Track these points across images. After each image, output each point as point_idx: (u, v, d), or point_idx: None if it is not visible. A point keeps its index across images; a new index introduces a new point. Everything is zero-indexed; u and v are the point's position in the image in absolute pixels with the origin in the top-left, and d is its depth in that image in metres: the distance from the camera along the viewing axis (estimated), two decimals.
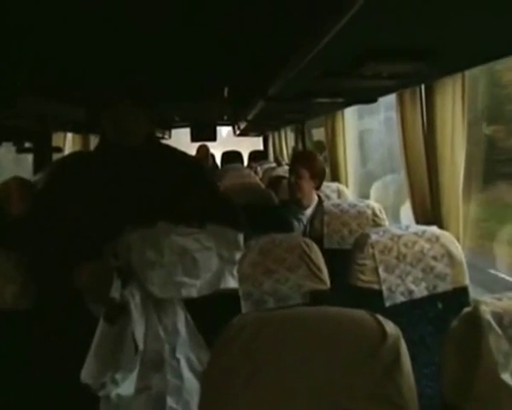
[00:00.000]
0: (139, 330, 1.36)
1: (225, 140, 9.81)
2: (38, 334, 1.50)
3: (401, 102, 2.20)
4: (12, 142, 3.59)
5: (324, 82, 1.69)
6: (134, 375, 1.36)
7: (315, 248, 1.77)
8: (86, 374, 1.32)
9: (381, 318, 1.00)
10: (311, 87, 1.93)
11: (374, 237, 1.78)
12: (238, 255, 1.46)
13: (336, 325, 0.98)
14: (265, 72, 2.03)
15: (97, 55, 2.04)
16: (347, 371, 0.94)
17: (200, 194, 1.52)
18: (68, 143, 4.46)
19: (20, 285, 1.52)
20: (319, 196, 2.60)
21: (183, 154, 1.63)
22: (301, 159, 2.57)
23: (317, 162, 2.59)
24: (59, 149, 3.91)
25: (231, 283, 1.44)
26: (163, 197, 1.47)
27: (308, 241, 1.79)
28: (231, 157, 8.28)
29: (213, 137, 7.67)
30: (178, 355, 1.42)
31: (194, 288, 1.40)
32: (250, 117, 3.87)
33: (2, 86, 1.95)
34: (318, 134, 5.42)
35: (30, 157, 4.02)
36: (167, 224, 1.41)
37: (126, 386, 1.35)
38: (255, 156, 8.22)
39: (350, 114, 3.57)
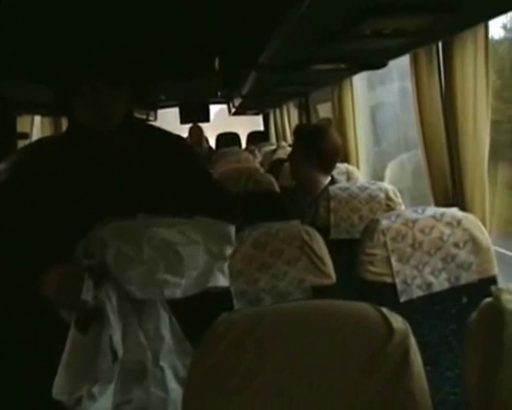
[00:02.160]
0: (117, 335, 1.36)
1: (220, 120, 9.80)
2: (6, 349, 1.50)
3: (415, 65, 2.18)
4: None
5: (321, 46, 1.67)
6: (112, 387, 1.36)
7: (317, 237, 1.77)
8: (58, 389, 1.33)
9: (386, 311, 0.99)
10: (306, 52, 1.91)
11: (385, 222, 1.77)
12: (229, 251, 1.46)
13: (336, 320, 0.98)
14: (255, 36, 2.01)
15: (65, 22, 2.02)
16: (349, 372, 0.94)
17: (189, 181, 1.52)
18: (36, 128, 4.45)
19: None
20: (332, 178, 2.57)
21: (168, 134, 1.62)
22: (305, 134, 2.54)
23: (326, 138, 2.53)
24: (25, 136, 3.90)
25: (221, 281, 1.44)
26: (145, 186, 1.46)
27: (309, 229, 1.79)
28: (228, 140, 8.28)
29: (206, 118, 7.66)
30: (162, 364, 1.42)
31: (179, 287, 1.39)
32: (244, 92, 3.85)
33: None
34: (326, 110, 5.40)
35: None
36: (148, 215, 1.41)
37: (104, 400, 1.36)
38: (254, 138, 8.21)
39: (359, 83, 3.54)
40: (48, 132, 4.46)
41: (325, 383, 0.95)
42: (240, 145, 8.28)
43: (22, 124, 3.96)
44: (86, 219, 1.36)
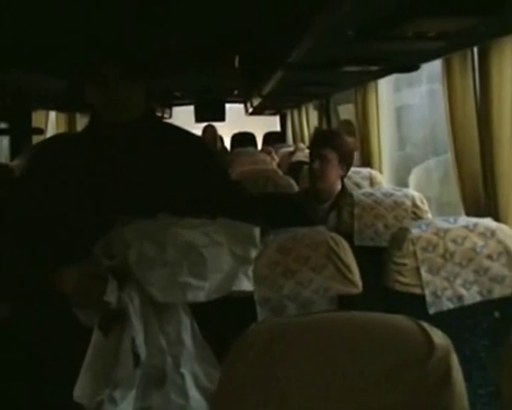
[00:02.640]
0: (139, 339, 1.35)
1: (234, 120, 9.78)
2: (16, 349, 1.50)
3: (448, 69, 2.17)
4: None
5: (357, 46, 1.65)
6: (133, 393, 1.36)
7: (344, 244, 1.75)
8: (80, 392, 1.32)
9: (426, 325, 0.97)
10: (340, 52, 1.89)
11: (415, 231, 1.75)
12: (254, 253, 1.44)
13: (373, 334, 0.97)
14: (285, 34, 1.99)
15: (82, 15, 2.02)
16: (386, 389, 0.92)
17: (210, 180, 1.51)
18: (51, 123, 4.49)
19: None
20: (343, 185, 2.55)
21: (188, 133, 1.62)
22: (327, 138, 2.50)
23: (346, 143, 2.53)
24: (40, 131, 3.94)
25: (246, 285, 1.43)
26: (165, 184, 1.46)
27: (336, 236, 1.77)
28: (243, 140, 8.28)
29: (222, 117, 7.66)
30: (183, 370, 1.41)
31: (202, 291, 1.38)
32: (266, 91, 3.84)
33: None
34: (346, 112, 5.37)
35: (6, 140, 4.05)
36: (169, 215, 1.40)
37: (125, 406, 1.35)
38: (270, 138, 8.20)
39: (385, 86, 3.52)
40: (62, 128, 4.50)
41: (356, 400, 0.94)
42: (255, 146, 8.27)
43: (37, 119, 4.00)
44: (103, 216, 1.36)
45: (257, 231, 1.44)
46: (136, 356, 1.34)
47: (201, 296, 1.38)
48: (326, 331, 0.99)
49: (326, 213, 2.51)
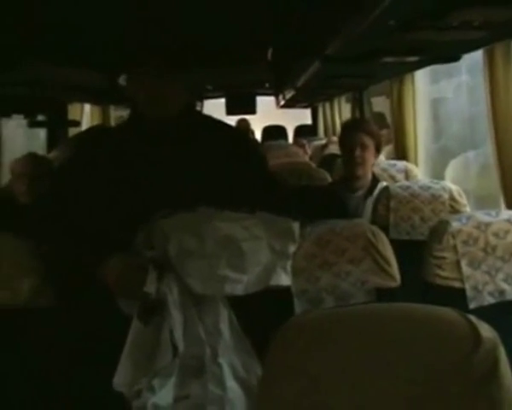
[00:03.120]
0: (178, 329, 1.37)
1: (264, 112, 9.75)
2: (60, 336, 1.54)
3: (490, 60, 2.12)
4: (23, 114, 3.69)
5: (398, 36, 1.63)
6: (172, 382, 1.38)
7: (383, 237, 1.74)
8: (119, 381, 1.35)
9: (473, 318, 0.96)
10: (379, 43, 1.87)
11: (455, 224, 1.73)
12: (292, 248, 1.45)
13: (419, 326, 0.96)
14: (324, 24, 1.98)
15: (123, 9, 2.05)
16: (433, 381, 0.92)
17: (250, 174, 1.52)
18: (86, 116, 4.56)
19: (40, 279, 1.54)
20: (373, 175, 2.59)
21: (229, 127, 1.63)
22: (363, 126, 2.54)
23: (378, 132, 2.58)
24: (76, 123, 4.01)
25: (284, 279, 1.44)
26: (206, 177, 1.47)
27: (375, 229, 1.76)
28: (274, 133, 8.26)
29: (253, 110, 7.66)
30: (221, 360, 1.42)
31: (241, 284, 1.39)
32: (300, 83, 3.83)
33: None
34: (377, 105, 5.31)
35: (42, 132, 4.14)
36: (209, 208, 1.41)
37: (164, 394, 1.37)
38: (302, 131, 8.16)
39: (421, 77, 3.47)
40: (96, 121, 4.58)
41: (398, 392, 0.93)
42: (286, 139, 8.25)
43: (72, 112, 4.08)
44: (143, 209, 1.38)
45: (296, 225, 1.44)
46: (175, 347, 1.36)
47: (239, 289, 1.39)
48: (370, 323, 0.98)
49: (359, 201, 2.53)
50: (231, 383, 1.43)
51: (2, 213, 2.25)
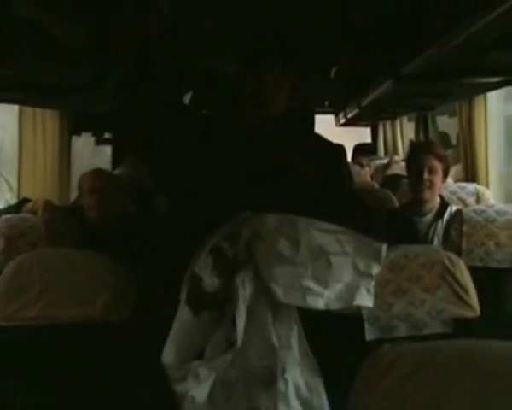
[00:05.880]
0: (240, 326, 1.31)
1: (321, 130, 9.70)
2: (129, 351, 1.56)
3: None
4: (91, 132, 3.83)
5: (484, 56, 1.57)
6: (213, 377, 1.30)
7: (461, 265, 1.68)
8: (167, 358, 1.30)
9: None
10: (461, 64, 1.81)
11: None
12: (376, 270, 1.42)
13: None
14: (398, 42, 1.95)
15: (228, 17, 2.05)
16: None
17: (343, 192, 1.52)
18: None
19: (114, 294, 1.59)
20: (442, 198, 2.56)
21: (326, 140, 1.66)
22: (432, 149, 2.53)
23: (446, 156, 2.58)
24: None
25: (367, 300, 1.41)
26: (301, 183, 1.49)
27: (451, 255, 1.71)
28: None
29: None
30: (287, 376, 1.36)
31: (321, 298, 1.36)
32: (366, 102, 3.78)
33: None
34: (440, 124, 5.19)
35: (107, 149, 4.27)
36: (304, 217, 1.39)
37: (204, 388, 1.30)
38: (361, 150, 8.05)
39: (494, 93, 3.36)
40: None
41: None
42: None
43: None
44: (235, 205, 1.39)
45: (383, 248, 1.42)
46: (231, 342, 1.31)
47: (321, 304, 1.35)
48: (472, 361, 0.93)
49: (428, 226, 2.50)
50: (294, 403, 1.38)
51: (73, 226, 2.32)
